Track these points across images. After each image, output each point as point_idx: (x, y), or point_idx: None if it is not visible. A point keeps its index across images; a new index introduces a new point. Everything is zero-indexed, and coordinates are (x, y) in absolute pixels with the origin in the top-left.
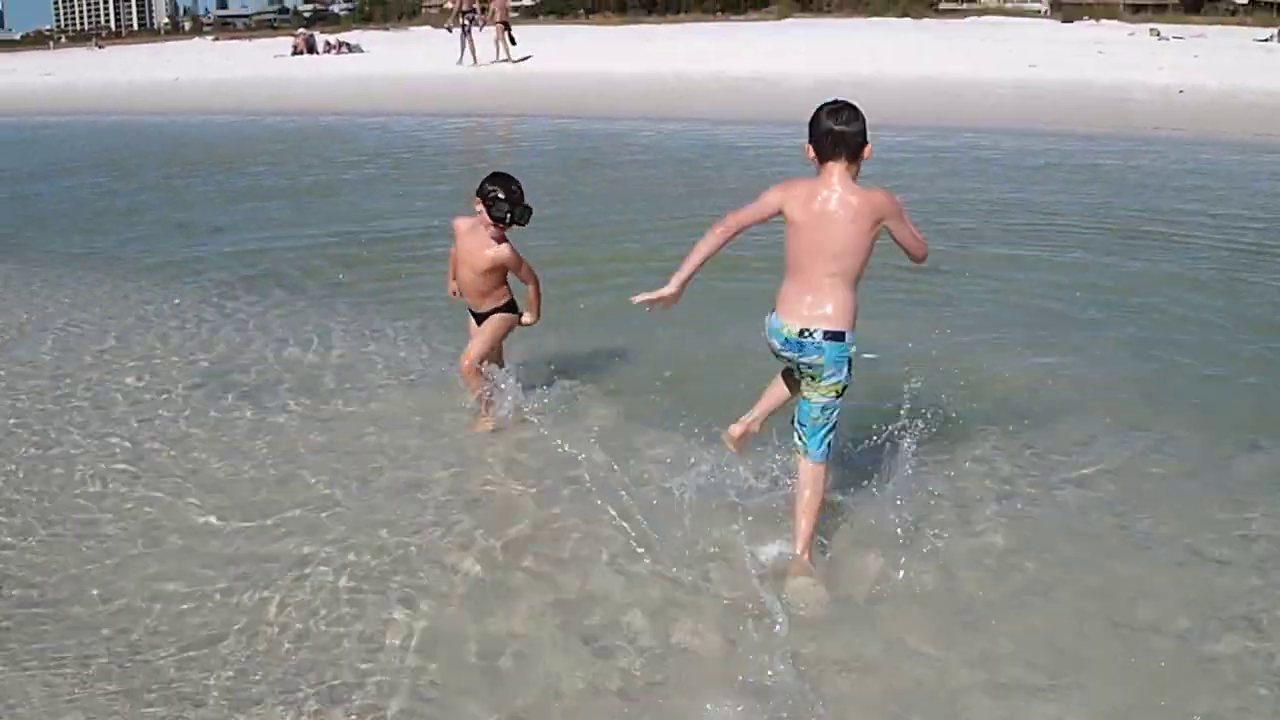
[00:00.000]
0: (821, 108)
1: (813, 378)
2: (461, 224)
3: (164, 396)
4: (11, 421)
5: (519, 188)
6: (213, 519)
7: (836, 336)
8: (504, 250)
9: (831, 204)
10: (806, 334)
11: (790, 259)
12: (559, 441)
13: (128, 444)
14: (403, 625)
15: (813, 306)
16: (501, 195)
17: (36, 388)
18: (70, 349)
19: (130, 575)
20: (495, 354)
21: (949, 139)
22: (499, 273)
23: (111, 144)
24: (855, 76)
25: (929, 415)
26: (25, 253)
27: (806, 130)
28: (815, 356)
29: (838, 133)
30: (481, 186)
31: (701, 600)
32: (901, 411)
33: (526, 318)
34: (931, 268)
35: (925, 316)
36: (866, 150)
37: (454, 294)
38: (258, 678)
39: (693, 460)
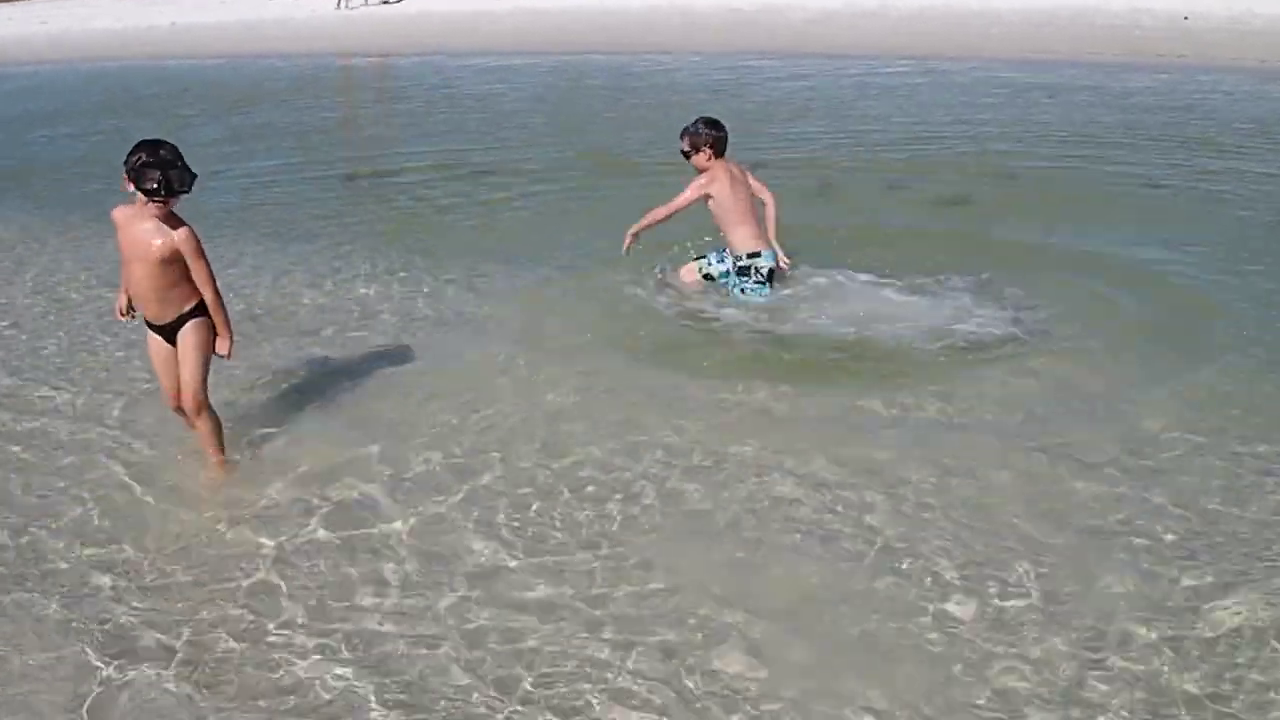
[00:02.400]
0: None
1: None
2: (121, 214)
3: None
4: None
5: (171, 149)
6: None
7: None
8: (181, 233)
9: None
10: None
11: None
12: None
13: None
14: None
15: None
16: (148, 158)
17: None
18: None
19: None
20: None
21: (962, 69)
22: (177, 265)
23: (110, 90)
24: (859, 7)
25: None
26: (34, 200)
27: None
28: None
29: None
30: (126, 159)
31: None
32: None
33: (220, 346)
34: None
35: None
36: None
37: (124, 310)
38: None
39: None
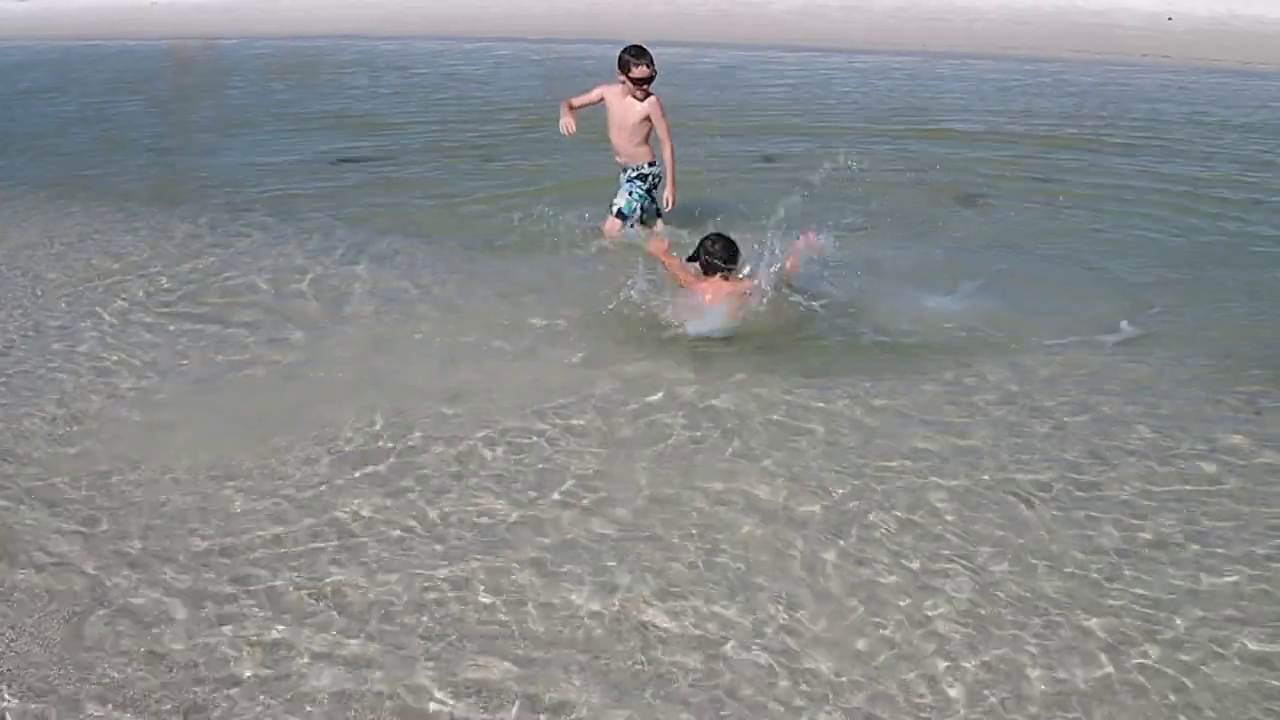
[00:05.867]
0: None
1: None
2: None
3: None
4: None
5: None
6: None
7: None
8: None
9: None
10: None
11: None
12: None
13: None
14: None
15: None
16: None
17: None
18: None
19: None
20: None
21: (941, 64)
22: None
23: (96, 70)
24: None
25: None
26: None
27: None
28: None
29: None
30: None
31: None
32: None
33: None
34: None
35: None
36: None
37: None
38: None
39: None
